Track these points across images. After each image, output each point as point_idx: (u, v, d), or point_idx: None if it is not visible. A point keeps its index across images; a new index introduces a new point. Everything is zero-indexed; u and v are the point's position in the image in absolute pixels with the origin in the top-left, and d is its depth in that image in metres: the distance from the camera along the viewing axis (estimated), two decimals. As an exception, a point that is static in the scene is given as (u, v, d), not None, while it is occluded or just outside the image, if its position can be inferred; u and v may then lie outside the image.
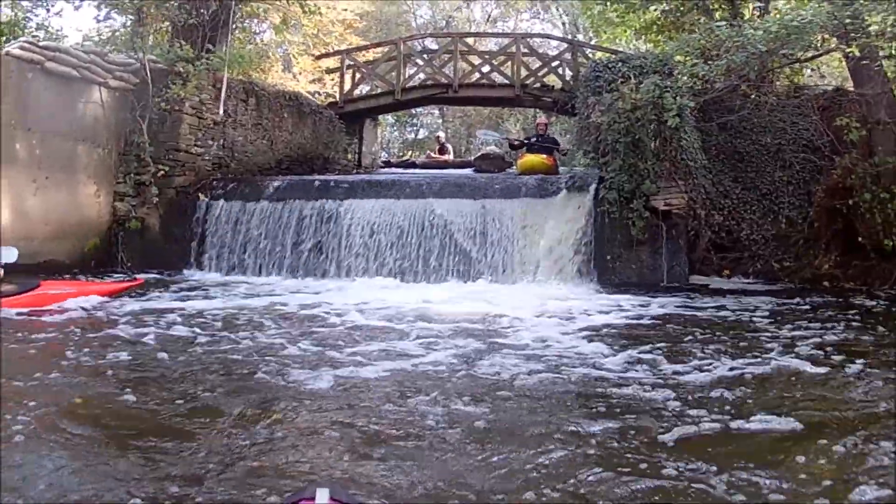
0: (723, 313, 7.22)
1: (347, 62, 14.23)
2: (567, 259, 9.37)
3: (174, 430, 3.36)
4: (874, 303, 8.17)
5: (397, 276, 9.38)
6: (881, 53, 10.07)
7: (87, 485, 2.70)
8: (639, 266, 9.42)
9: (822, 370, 4.59)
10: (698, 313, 7.22)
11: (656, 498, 2.64)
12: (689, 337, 5.91)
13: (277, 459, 2.99)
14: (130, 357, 4.80)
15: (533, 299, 7.96)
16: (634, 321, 6.78)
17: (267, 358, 4.83)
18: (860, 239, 9.70)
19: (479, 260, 9.30)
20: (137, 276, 9.03)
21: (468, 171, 12.55)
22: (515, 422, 3.58)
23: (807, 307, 7.68)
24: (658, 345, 5.47)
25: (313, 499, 1.82)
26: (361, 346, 5.36)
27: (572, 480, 2.79)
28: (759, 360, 4.88)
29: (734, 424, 3.44)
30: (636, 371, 4.64)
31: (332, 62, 14.75)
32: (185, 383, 4.22)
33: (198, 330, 5.84)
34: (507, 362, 4.82)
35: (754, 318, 6.84)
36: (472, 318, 6.73)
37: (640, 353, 5.15)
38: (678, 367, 4.70)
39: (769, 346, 5.45)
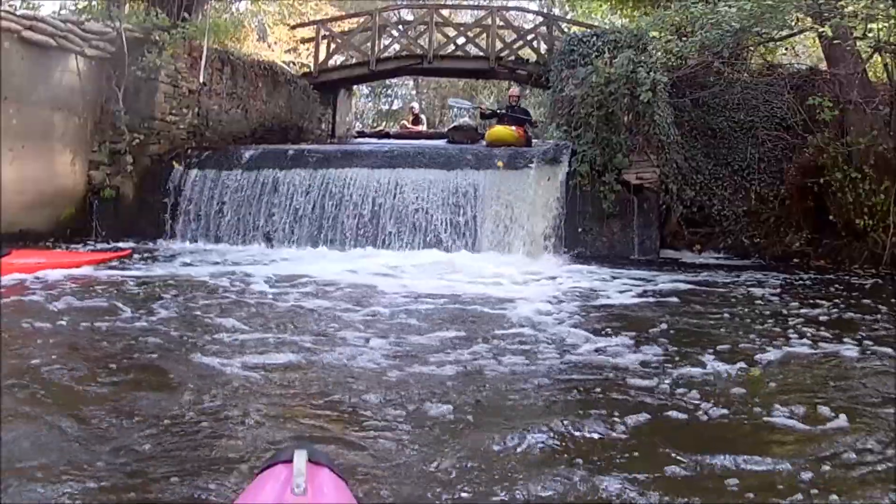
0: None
1: (323, 32, 14.19)
2: (538, 231, 9.42)
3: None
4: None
5: (369, 245, 9.42)
6: (854, 34, 10.14)
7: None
8: (610, 239, 9.49)
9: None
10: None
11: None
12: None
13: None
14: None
15: (501, 269, 8.05)
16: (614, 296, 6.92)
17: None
18: (831, 217, 9.80)
19: (449, 231, 9.35)
20: (121, 246, 9.07)
21: (441, 142, 12.56)
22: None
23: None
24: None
25: (291, 461, 1.76)
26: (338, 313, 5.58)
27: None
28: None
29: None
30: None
31: (307, 32, 14.69)
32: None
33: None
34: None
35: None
36: (439, 288, 6.87)
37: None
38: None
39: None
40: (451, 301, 6.24)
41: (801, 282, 8.20)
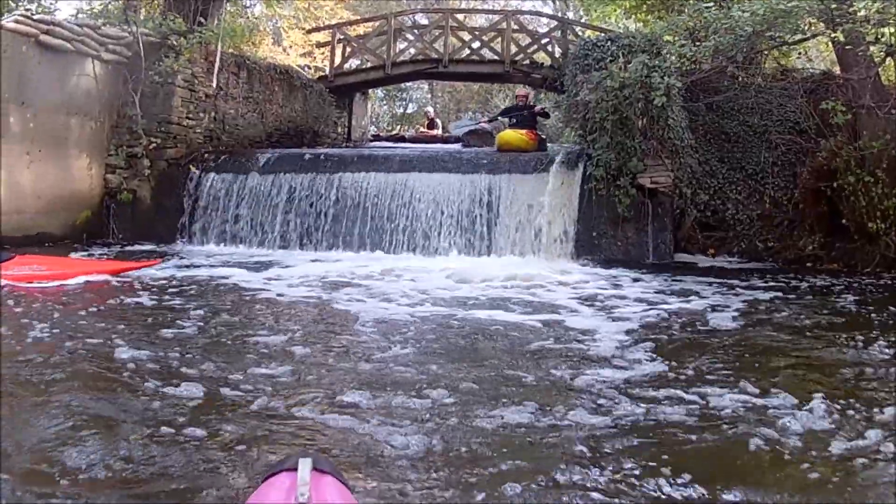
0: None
1: (338, 36, 14.25)
2: (555, 235, 9.47)
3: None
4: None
5: (386, 249, 9.50)
6: (867, 38, 10.16)
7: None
8: (624, 243, 9.52)
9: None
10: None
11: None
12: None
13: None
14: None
15: (514, 271, 8.12)
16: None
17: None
18: (844, 221, 9.78)
19: (466, 235, 9.40)
20: (139, 250, 9.14)
21: (457, 146, 12.61)
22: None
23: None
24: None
25: (295, 469, 1.74)
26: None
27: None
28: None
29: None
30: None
31: (322, 36, 14.76)
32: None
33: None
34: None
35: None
36: (454, 291, 7.00)
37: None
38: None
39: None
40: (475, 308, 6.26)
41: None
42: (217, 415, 3.28)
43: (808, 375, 4.19)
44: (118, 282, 6.94)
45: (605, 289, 7.39)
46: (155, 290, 6.51)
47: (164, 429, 3.04)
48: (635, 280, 7.99)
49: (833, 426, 3.24)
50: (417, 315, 5.78)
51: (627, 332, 5.30)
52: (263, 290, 6.82)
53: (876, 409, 3.45)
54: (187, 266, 8.22)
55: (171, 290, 6.58)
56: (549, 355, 4.58)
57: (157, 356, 4.20)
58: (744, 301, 6.77)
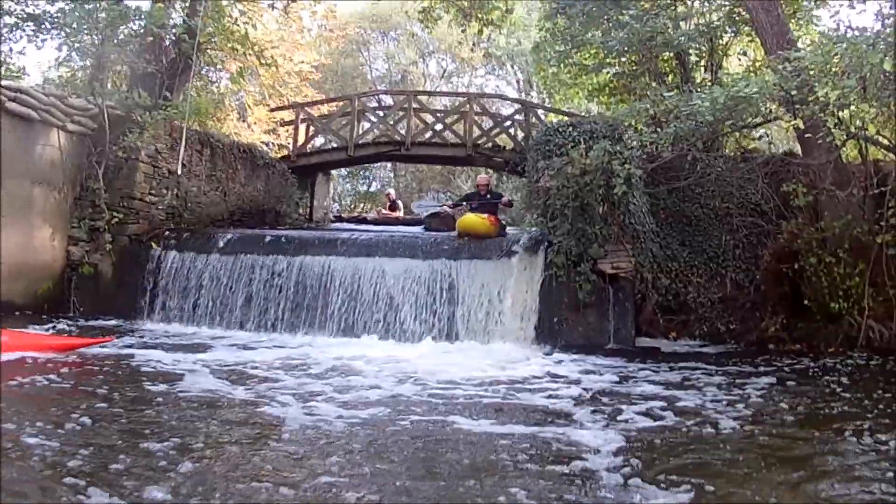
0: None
1: (302, 115, 14.30)
2: (516, 321, 9.46)
3: None
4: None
5: (346, 333, 9.45)
6: (829, 123, 10.28)
7: None
8: (585, 328, 9.50)
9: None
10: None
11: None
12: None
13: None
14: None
15: (478, 361, 8.06)
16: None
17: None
18: (806, 302, 9.84)
19: (424, 320, 9.38)
20: (98, 325, 9.03)
21: (418, 228, 12.61)
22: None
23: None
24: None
25: None
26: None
27: None
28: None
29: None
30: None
31: (286, 114, 14.84)
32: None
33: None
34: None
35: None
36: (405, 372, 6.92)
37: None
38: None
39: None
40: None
41: None
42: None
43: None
44: (52, 361, 6.80)
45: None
46: (84, 373, 6.33)
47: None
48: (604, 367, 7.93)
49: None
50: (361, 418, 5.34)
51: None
52: (199, 381, 6.37)
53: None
54: (137, 346, 8.07)
55: (99, 375, 6.36)
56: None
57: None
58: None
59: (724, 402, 6.14)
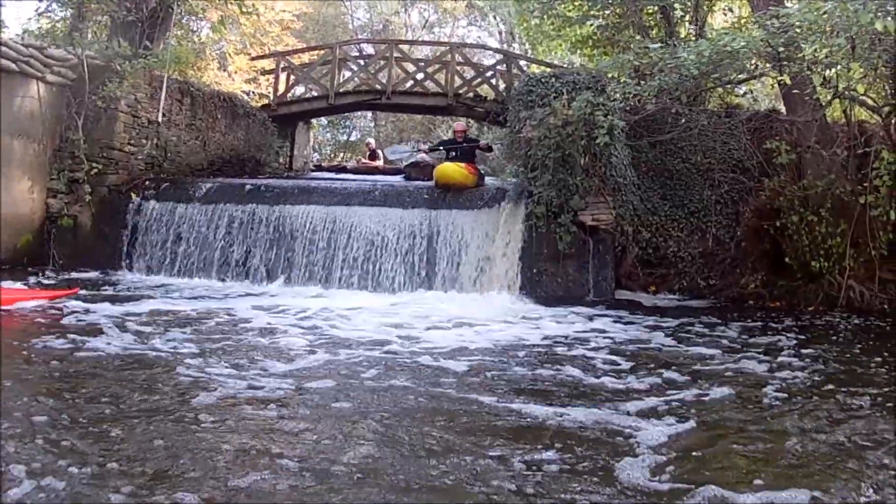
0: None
1: (283, 64, 14.17)
2: (498, 272, 9.44)
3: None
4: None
5: (324, 284, 9.42)
6: (814, 80, 10.22)
7: None
8: (565, 280, 9.50)
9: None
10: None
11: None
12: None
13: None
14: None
15: (456, 309, 8.07)
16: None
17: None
18: (787, 260, 9.85)
19: (404, 271, 9.35)
20: (76, 277, 8.98)
21: (398, 177, 12.53)
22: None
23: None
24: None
25: None
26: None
27: None
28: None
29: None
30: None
31: (267, 63, 14.69)
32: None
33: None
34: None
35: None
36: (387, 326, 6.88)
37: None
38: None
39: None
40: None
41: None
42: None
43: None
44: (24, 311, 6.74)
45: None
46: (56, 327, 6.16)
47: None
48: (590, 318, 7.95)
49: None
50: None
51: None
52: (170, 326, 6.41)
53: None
54: (110, 298, 7.96)
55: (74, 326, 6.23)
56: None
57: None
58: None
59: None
